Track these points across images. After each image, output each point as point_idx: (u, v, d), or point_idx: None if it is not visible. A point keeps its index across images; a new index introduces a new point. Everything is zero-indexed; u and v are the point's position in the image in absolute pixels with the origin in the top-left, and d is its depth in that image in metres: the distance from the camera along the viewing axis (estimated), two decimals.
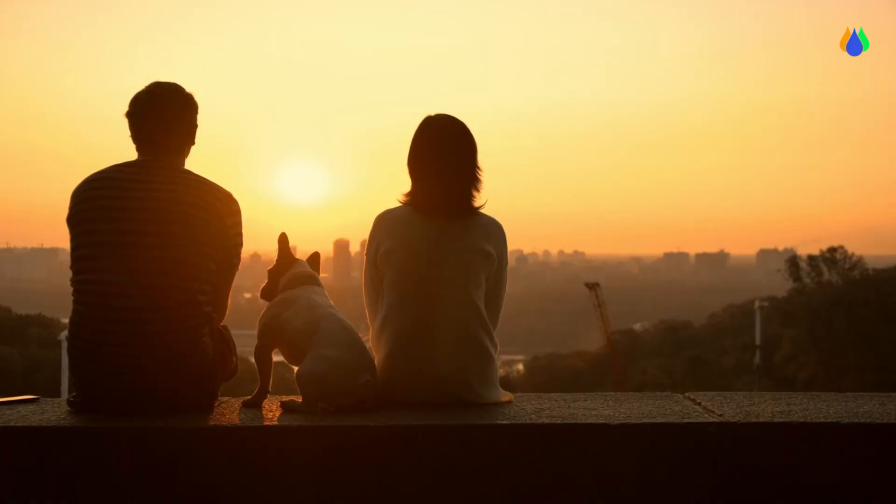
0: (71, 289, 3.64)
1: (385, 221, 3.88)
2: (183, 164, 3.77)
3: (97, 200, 3.62)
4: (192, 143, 3.80)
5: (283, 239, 3.91)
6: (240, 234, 3.77)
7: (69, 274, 3.65)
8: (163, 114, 3.70)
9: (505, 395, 3.90)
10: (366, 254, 3.93)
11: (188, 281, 3.60)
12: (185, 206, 3.61)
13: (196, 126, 3.80)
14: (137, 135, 3.72)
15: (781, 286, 59.60)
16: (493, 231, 3.89)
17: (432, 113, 3.89)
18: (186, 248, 3.60)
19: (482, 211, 3.89)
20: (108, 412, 3.57)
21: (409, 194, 3.87)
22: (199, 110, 3.81)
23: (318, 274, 3.97)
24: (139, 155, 3.74)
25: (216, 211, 3.66)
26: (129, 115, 3.71)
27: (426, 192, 3.83)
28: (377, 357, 3.83)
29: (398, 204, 3.89)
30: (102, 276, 3.58)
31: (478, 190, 3.87)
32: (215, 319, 3.75)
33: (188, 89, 3.76)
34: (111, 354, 3.56)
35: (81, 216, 3.64)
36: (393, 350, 3.79)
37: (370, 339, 3.89)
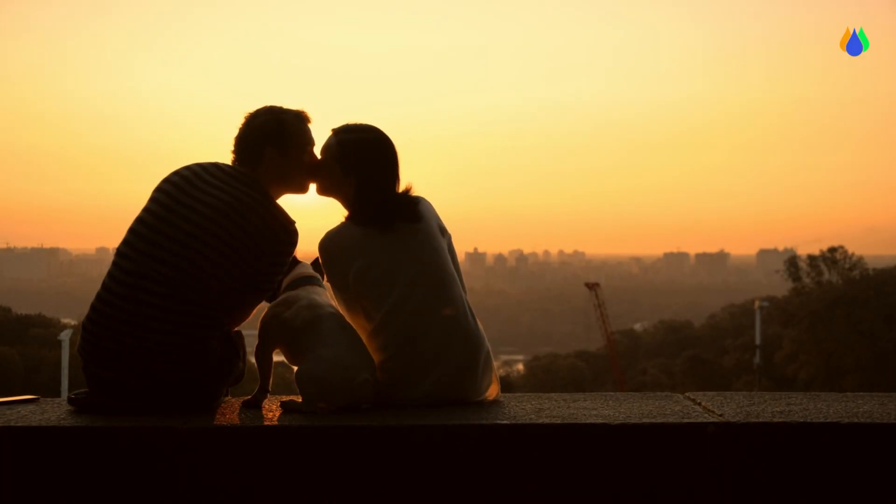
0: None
1: (341, 244, 3.81)
2: (261, 179, 3.77)
3: (161, 187, 3.74)
4: (262, 164, 3.79)
5: None
6: (276, 265, 3.74)
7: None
8: (242, 129, 3.83)
9: (494, 386, 3.88)
10: (329, 282, 3.87)
11: (195, 282, 3.60)
12: (203, 208, 3.63)
13: (263, 148, 3.79)
14: None
15: (781, 286, 59.56)
16: (429, 207, 3.90)
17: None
18: (196, 251, 3.60)
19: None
20: (108, 412, 3.58)
21: (358, 209, 3.84)
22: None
23: (321, 276, 3.96)
24: None
25: (235, 221, 3.63)
26: None
27: (378, 202, 3.81)
28: (376, 358, 3.82)
29: (340, 223, 3.85)
30: (122, 264, 3.63)
31: None
32: (227, 324, 3.74)
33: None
34: (112, 345, 3.57)
35: (149, 201, 3.73)
36: (392, 351, 3.78)
37: (365, 341, 3.87)
